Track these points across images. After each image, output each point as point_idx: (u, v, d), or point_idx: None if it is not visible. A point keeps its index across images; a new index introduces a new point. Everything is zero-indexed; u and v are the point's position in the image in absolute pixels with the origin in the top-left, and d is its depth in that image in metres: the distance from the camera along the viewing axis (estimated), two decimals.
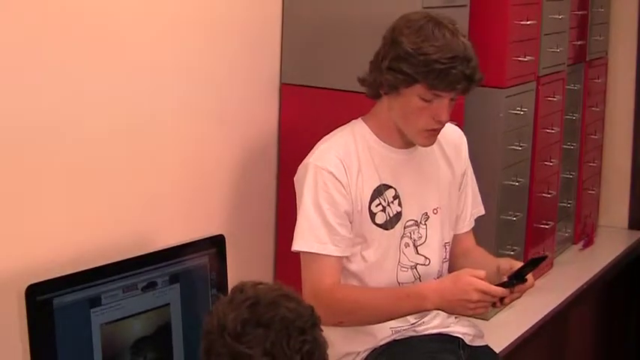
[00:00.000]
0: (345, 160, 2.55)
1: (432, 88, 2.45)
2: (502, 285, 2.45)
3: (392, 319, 2.57)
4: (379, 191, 2.58)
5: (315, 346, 1.72)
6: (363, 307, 2.54)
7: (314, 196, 2.53)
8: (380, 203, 2.58)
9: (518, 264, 2.54)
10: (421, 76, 2.44)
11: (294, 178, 2.62)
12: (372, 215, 2.58)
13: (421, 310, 2.56)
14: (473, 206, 2.80)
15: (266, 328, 1.69)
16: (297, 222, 2.55)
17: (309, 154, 2.59)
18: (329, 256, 2.52)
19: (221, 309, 1.74)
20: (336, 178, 2.53)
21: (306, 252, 2.54)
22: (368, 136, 2.61)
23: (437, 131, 2.56)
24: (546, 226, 3.81)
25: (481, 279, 2.43)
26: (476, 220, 2.83)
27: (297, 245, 2.54)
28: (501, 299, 2.46)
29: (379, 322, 2.58)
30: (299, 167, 2.60)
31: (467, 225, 2.79)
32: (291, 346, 1.69)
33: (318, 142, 2.62)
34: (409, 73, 2.45)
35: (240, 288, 1.77)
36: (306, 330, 1.72)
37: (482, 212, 2.84)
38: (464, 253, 2.77)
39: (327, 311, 2.49)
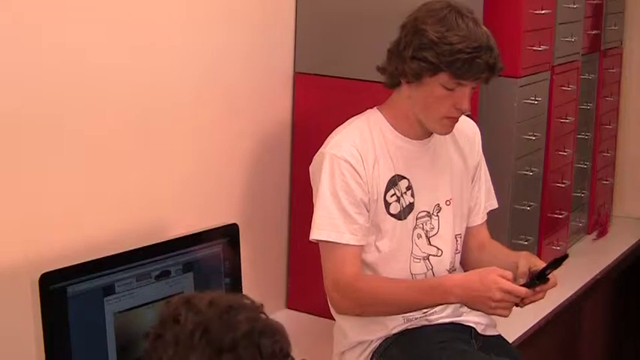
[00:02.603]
0: (362, 149, 2.54)
1: (457, 78, 2.46)
2: (525, 286, 2.45)
3: (413, 311, 2.57)
4: (394, 181, 2.58)
5: (282, 340, 1.52)
6: (385, 299, 2.53)
7: (331, 185, 2.52)
8: (394, 193, 2.58)
9: (539, 261, 2.55)
10: (445, 65, 2.44)
11: (310, 168, 2.62)
12: (387, 205, 2.57)
13: (444, 303, 2.56)
14: (486, 199, 2.79)
15: (232, 352, 1.48)
16: (314, 211, 2.54)
17: (325, 143, 2.58)
18: (347, 245, 2.51)
19: (172, 353, 1.49)
20: (353, 168, 2.52)
21: (325, 241, 2.53)
22: (383, 125, 2.60)
23: (456, 119, 2.56)
24: (560, 216, 3.80)
25: (507, 280, 2.42)
26: (489, 210, 2.83)
27: (314, 234, 2.53)
28: (523, 299, 2.45)
29: (400, 314, 2.57)
30: (315, 156, 2.60)
31: (480, 218, 2.78)
32: (264, 354, 1.49)
33: (333, 132, 2.61)
34: (434, 62, 2.45)
35: (174, 317, 1.51)
36: (266, 330, 1.52)
37: (496, 206, 2.83)
38: (479, 246, 2.76)
39: (348, 301, 2.50)
